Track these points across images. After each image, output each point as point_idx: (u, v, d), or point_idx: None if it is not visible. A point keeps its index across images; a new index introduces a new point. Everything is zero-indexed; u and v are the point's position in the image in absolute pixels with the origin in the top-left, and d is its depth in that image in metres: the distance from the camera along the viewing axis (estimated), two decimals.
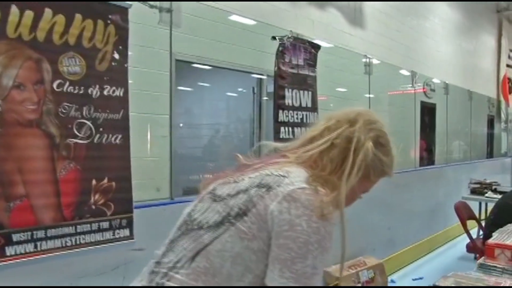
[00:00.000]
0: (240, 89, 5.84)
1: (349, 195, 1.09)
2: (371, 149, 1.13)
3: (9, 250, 1.89)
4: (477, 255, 5.02)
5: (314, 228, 0.98)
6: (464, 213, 5.03)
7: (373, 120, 1.19)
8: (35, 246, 1.96)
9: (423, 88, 6.50)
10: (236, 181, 1.11)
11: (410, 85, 6.16)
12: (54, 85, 2.03)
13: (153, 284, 1.03)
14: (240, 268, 1.00)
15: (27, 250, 1.94)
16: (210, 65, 4.13)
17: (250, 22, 3.83)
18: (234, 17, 3.76)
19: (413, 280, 4.76)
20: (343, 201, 1.06)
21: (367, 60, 5.00)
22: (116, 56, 2.26)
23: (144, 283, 1.06)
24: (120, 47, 2.27)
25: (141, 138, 3.21)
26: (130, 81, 3.09)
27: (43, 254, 1.98)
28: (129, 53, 2.70)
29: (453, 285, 2.25)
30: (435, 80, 6.80)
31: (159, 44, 3.09)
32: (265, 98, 4.08)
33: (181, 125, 6.36)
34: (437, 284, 2.21)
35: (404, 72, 6.07)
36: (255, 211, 1.01)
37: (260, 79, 4.14)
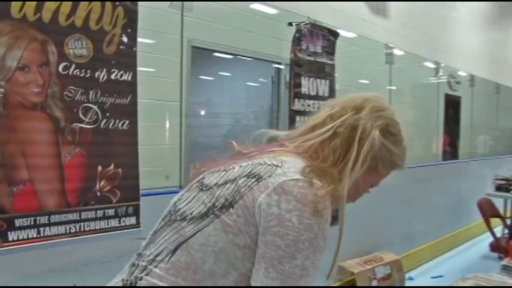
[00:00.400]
0: (260, 79, 5.77)
1: (352, 189, 1.00)
2: (378, 139, 1.02)
3: (12, 235, 1.85)
4: (502, 255, 4.86)
5: (306, 225, 0.88)
6: (487, 211, 4.85)
7: (382, 107, 1.09)
8: (38, 232, 1.92)
9: (448, 82, 6.29)
10: (226, 170, 1.02)
11: (434, 77, 5.98)
12: (60, 68, 1.97)
13: (132, 278, 0.97)
14: (224, 265, 0.91)
15: (30, 236, 1.90)
16: (228, 53, 4.07)
17: (271, 10, 3.75)
18: (255, 5, 3.69)
19: (432, 278, 4.63)
20: (344, 196, 0.97)
21: (389, 50, 4.84)
22: (125, 39, 2.19)
23: (124, 276, 0.99)
24: (129, 30, 2.21)
25: (154, 125, 3.16)
26: (150, 69, 3.08)
27: (46, 240, 1.94)
28: (149, 41, 2.64)
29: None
30: (461, 73, 6.58)
31: (174, 30, 3.03)
32: (283, 87, 4.00)
33: (202, 113, 6.36)
34: (455, 286, 2.10)
35: (429, 64, 5.89)
36: (242, 203, 0.92)
37: (279, 68, 4.06)
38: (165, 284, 0.92)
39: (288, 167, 0.96)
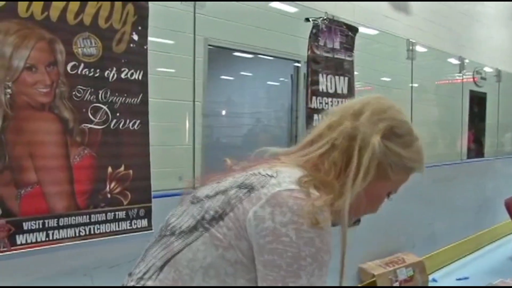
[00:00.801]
0: (281, 78, 5.72)
1: (355, 202, 0.91)
2: (379, 145, 0.93)
3: (20, 239, 1.82)
4: None
5: (306, 239, 0.80)
6: None
7: (384, 107, 0.99)
8: (47, 235, 1.89)
9: (474, 78, 6.10)
10: (219, 182, 0.96)
11: (459, 73, 5.80)
12: (68, 67, 1.93)
13: None
14: (213, 282, 0.84)
15: (39, 239, 1.87)
16: (247, 51, 4.02)
17: (291, 9, 3.68)
18: (274, 4, 3.62)
19: (457, 280, 4.48)
20: (345, 210, 0.88)
21: (411, 47, 4.70)
22: (135, 37, 2.14)
23: None
24: (140, 27, 2.16)
25: (173, 125, 3.13)
26: (170, 70, 3.03)
27: (55, 243, 1.91)
28: (169, 41, 2.57)
29: None
30: (487, 69, 6.37)
31: (189, 29, 2.97)
32: (302, 86, 3.93)
33: (223, 113, 6.34)
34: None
35: (453, 60, 5.71)
36: (233, 216, 0.85)
37: (297, 66, 3.99)
38: None
39: (283, 177, 0.88)
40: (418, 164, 1.01)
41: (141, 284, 0.88)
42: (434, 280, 4.41)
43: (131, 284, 0.90)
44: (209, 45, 3.36)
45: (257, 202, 0.84)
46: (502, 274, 3.58)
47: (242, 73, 6.43)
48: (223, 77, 6.28)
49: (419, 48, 4.82)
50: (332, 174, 0.92)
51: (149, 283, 0.87)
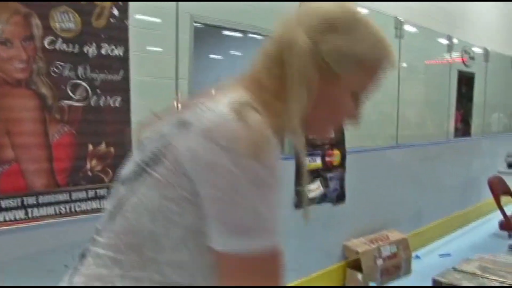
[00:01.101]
0: None
1: (308, 115, 0.84)
2: (304, 44, 0.83)
3: None
4: (511, 233, 4.78)
5: (244, 166, 0.74)
6: (498, 188, 4.77)
7: (319, 4, 0.88)
8: (26, 213, 1.87)
9: (462, 58, 6.09)
10: (161, 122, 0.90)
11: (447, 53, 5.78)
12: (45, 42, 1.89)
13: (82, 251, 0.91)
14: (161, 222, 0.81)
15: (17, 217, 1.85)
16: (235, 29, 3.96)
17: None
18: None
19: (440, 256, 4.56)
20: (295, 127, 0.83)
21: (399, 25, 4.66)
22: (115, 12, 2.09)
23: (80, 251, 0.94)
24: (120, 2, 2.11)
25: (156, 104, 3.08)
26: (155, 48, 2.97)
27: (34, 221, 1.89)
28: (153, 19, 2.51)
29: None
30: (475, 49, 6.36)
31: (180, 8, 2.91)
32: None
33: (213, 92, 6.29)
34: (458, 267, 2.02)
35: (442, 40, 5.69)
36: (170, 155, 0.80)
37: None
38: (106, 251, 0.84)
39: (222, 106, 0.80)
40: (373, 56, 0.87)
41: (99, 236, 0.87)
42: (417, 256, 4.47)
43: (93, 236, 0.90)
44: (195, 22, 3.30)
45: (193, 137, 0.79)
46: (483, 250, 3.64)
47: (232, 52, 6.38)
48: (212, 56, 6.22)
49: (409, 28, 4.79)
50: (275, 88, 0.84)
51: (105, 234, 0.86)
